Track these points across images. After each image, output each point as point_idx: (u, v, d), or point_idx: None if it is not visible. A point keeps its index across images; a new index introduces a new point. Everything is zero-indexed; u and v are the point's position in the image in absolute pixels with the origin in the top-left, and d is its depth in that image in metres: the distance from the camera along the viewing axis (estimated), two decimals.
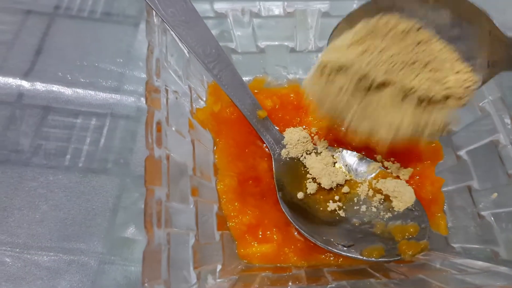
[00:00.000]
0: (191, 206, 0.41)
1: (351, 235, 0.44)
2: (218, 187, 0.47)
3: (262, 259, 0.44)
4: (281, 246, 0.44)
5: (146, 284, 0.31)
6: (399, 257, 0.42)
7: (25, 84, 0.59)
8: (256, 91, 0.53)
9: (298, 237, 0.45)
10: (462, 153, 0.48)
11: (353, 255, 0.43)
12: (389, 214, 0.45)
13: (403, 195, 0.45)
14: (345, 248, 0.43)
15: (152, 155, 0.36)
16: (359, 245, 0.43)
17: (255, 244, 0.45)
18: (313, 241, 0.43)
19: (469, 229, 0.46)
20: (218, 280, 0.40)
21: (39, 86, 0.58)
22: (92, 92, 0.59)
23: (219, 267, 0.41)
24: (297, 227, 0.44)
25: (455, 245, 0.47)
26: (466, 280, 0.39)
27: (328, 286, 0.38)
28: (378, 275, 0.41)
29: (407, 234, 0.43)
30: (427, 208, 0.46)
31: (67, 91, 0.58)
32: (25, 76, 0.59)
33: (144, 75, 0.60)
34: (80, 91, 0.59)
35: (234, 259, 0.44)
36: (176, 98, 0.44)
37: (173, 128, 0.41)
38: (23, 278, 0.46)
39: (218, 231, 0.44)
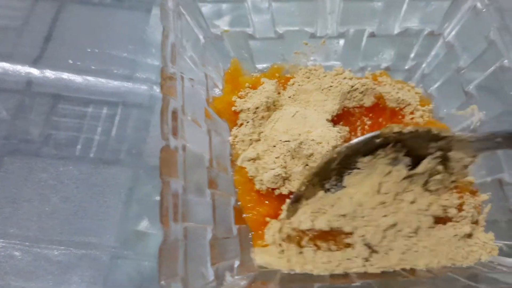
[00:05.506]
0: (208, 199, 0.39)
1: None
2: (235, 178, 0.45)
3: None
4: None
5: (162, 282, 0.29)
6: None
7: (34, 71, 0.57)
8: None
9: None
10: None
11: None
12: None
13: None
14: None
15: (167, 145, 0.34)
16: None
17: None
18: None
19: (499, 224, 0.44)
20: (236, 277, 0.38)
21: (49, 73, 0.57)
22: (104, 80, 0.57)
23: (236, 263, 0.40)
24: None
25: None
26: (497, 278, 0.38)
27: (353, 285, 0.36)
28: (405, 273, 0.39)
29: None
30: None
31: (78, 78, 0.57)
32: (35, 63, 0.57)
33: (157, 63, 0.58)
34: (91, 79, 0.57)
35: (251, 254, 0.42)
36: (192, 86, 0.42)
37: (189, 118, 0.39)
38: (33, 273, 0.45)
39: (236, 225, 0.42)
